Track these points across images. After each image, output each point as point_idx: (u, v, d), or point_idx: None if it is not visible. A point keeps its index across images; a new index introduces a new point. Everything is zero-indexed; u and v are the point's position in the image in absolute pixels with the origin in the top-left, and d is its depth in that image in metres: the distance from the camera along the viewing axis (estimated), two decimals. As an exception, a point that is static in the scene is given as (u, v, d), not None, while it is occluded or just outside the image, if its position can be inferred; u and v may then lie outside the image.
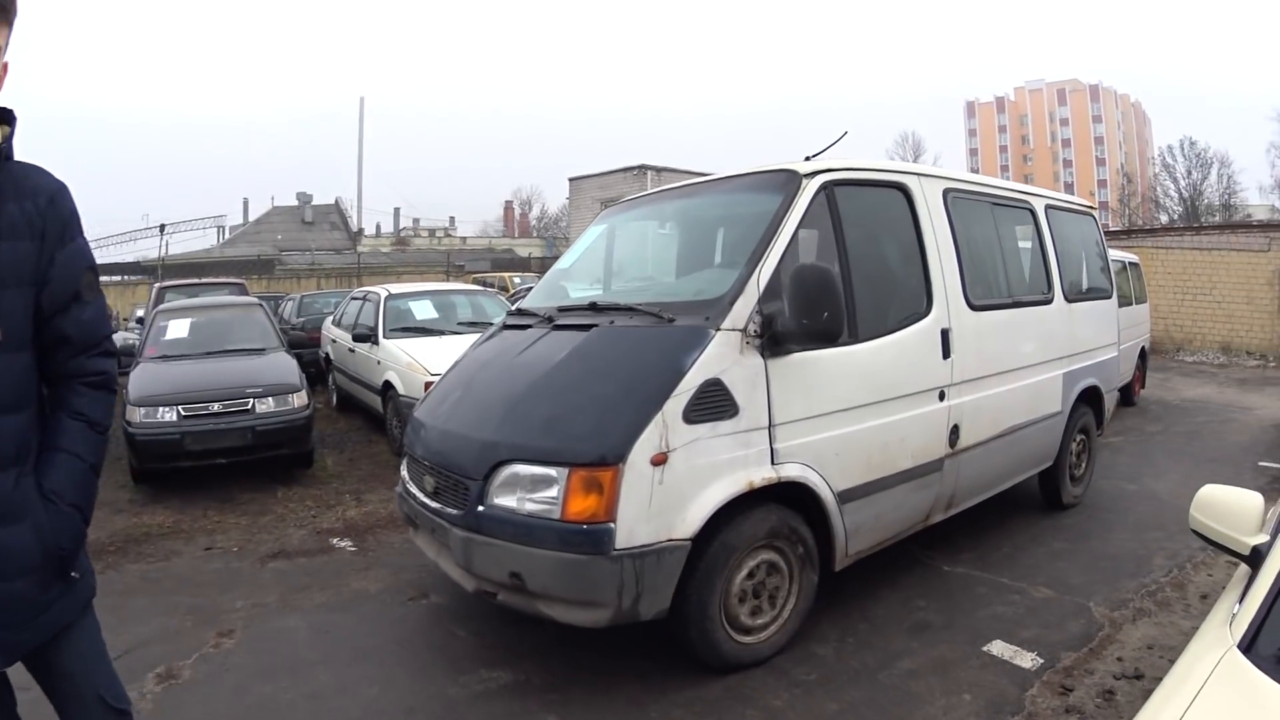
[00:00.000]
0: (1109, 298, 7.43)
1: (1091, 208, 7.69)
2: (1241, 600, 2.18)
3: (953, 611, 4.86)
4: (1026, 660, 4.27)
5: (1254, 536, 2.39)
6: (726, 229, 5.03)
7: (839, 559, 4.44)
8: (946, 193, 5.27)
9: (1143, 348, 12.66)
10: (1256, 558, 2.32)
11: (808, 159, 4.63)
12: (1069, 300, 6.49)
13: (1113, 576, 5.38)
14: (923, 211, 4.99)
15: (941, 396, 4.92)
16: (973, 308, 5.20)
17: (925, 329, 4.84)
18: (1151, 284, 15.97)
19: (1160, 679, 3.98)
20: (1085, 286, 7.01)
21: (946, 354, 4.94)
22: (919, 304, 4.88)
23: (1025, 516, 6.56)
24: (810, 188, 4.36)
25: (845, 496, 4.34)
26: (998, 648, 4.41)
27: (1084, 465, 7.01)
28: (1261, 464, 8.87)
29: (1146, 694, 3.94)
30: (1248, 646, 2.01)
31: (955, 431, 5.04)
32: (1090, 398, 6.87)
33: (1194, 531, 2.58)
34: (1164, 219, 46.73)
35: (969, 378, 5.14)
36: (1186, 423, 10.98)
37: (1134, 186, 62.13)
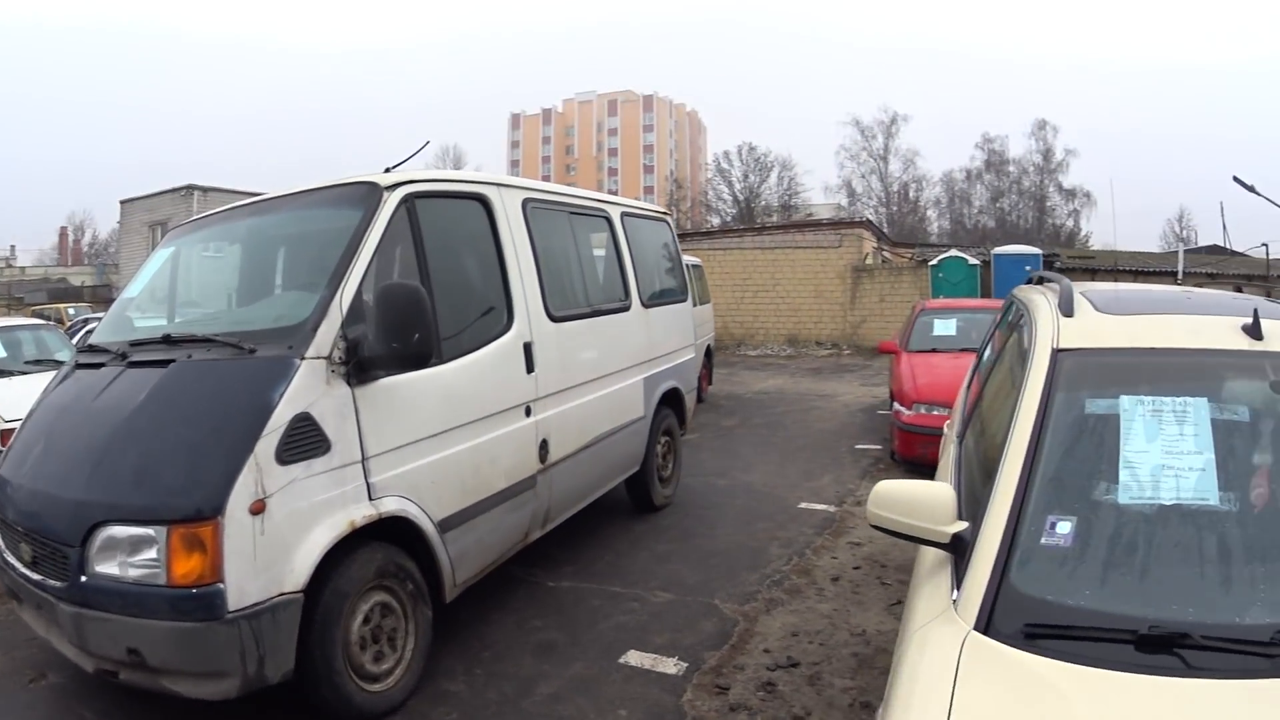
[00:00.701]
0: (683, 300, 8.02)
1: (665, 213, 8.27)
2: (959, 585, 2.35)
3: (573, 627, 4.94)
4: (670, 666, 4.41)
5: (952, 525, 2.56)
6: (305, 248, 4.87)
7: (448, 590, 4.44)
8: (526, 203, 5.42)
9: (708, 346, 13.70)
10: (960, 544, 2.51)
11: (388, 170, 4.59)
12: (646, 305, 6.91)
13: (730, 572, 5.72)
14: (502, 223, 5.09)
15: (528, 412, 5.05)
16: (553, 319, 5.37)
17: (508, 344, 4.93)
18: (710, 284, 17.54)
19: (817, 663, 4.35)
20: (661, 291, 7.49)
21: (530, 368, 5.07)
22: (500, 319, 4.95)
23: (619, 523, 6.85)
24: (391, 201, 4.30)
25: (446, 525, 4.34)
26: (634, 658, 4.52)
27: (670, 466, 7.49)
28: (858, 447, 9.96)
29: (809, 679, 4.26)
30: (985, 626, 2.17)
31: (545, 446, 5.18)
32: (671, 399, 7.37)
33: (877, 528, 2.69)
34: (715, 221, 51.48)
35: (553, 391, 5.31)
36: (764, 414, 12.05)
37: (684, 191, 68.09)
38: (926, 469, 8.34)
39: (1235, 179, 17.07)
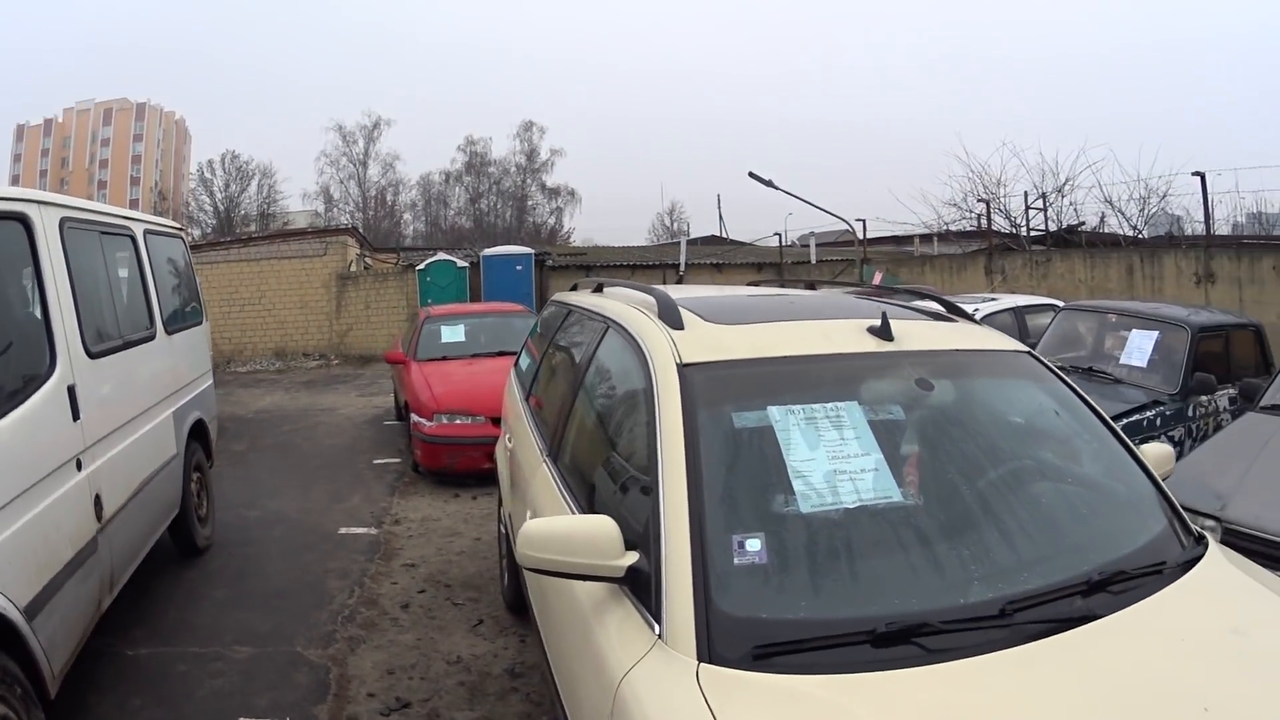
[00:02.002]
0: (200, 323, 7.36)
1: (180, 229, 7.51)
2: (657, 618, 2.27)
3: (174, 702, 4.44)
4: None
5: (624, 558, 2.45)
6: None
7: (50, 684, 3.72)
8: (64, 222, 4.60)
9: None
10: (638, 575, 2.42)
11: None
12: (169, 332, 6.24)
13: (298, 613, 5.40)
14: (43, 247, 4.27)
15: (79, 465, 4.30)
16: (91, 355, 4.63)
17: (53, 390, 4.15)
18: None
19: (428, 699, 4.32)
20: (181, 314, 6.82)
21: (76, 415, 4.31)
22: (42, 361, 4.17)
23: (170, 572, 6.20)
24: None
25: (32, 610, 3.61)
26: (248, 728, 4.09)
27: (205, 503, 6.86)
28: (377, 462, 9.74)
29: (428, 718, 4.19)
30: (709, 656, 2.13)
31: (99, 502, 4.46)
32: (198, 432, 6.74)
33: (536, 570, 2.55)
34: (197, 233, 48.43)
35: (99, 438, 4.58)
36: (272, 434, 11.42)
37: (167, 203, 62.73)
38: (453, 479, 8.57)
39: (751, 174, 18.87)
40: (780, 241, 24.67)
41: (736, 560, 2.38)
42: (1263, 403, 6.35)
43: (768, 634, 2.18)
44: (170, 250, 6.91)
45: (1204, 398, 7.34)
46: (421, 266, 20.98)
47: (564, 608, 2.97)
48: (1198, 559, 2.71)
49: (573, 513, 3.13)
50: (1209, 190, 13.44)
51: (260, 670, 4.71)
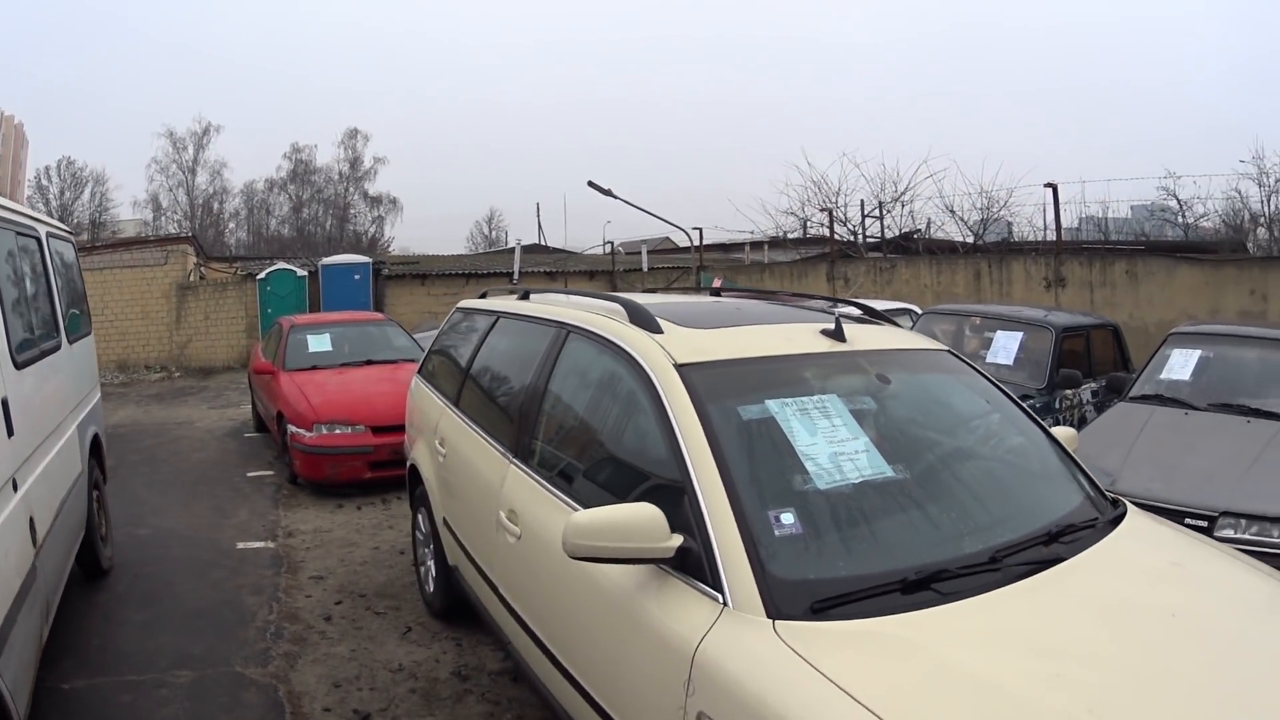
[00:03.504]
0: (90, 333, 7.04)
1: (71, 232, 7.10)
2: (718, 588, 2.50)
3: None
4: None
5: (672, 539, 2.63)
6: None
7: None
8: None
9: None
10: (688, 555, 2.62)
11: None
12: (70, 341, 5.90)
13: (226, 632, 5.26)
14: None
15: (15, 486, 3.96)
16: (17, 366, 4.29)
17: None
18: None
19: (385, 709, 4.39)
20: (75, 322, 6.42)
21: (11, 431, 3.97)
22: None
23: (78, 596, 5.84)
24: None
25: None
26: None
27: (104, 523, 6.54)
28: (251, 475, 9.48)
29: None
30: (777, 614, 2.38)
31: (33, 526, 4.13)
32: (95, 448, 6.39)
33: (589, 558, 2.68)
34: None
35: (27, 456, 4.25)
36: (136, 450, 10.94)
37: None
38: (334, 490, 8.52)
39: (590, 183, 18.90)
40: (613, 249, 24.95)
41: (777, 533, 2.65)
42: (1131, 394, 7.22)
43: (819, 591, 2.47)
44: (66, 255, 6.55)
45: (1069, 392, 7.95)
46: (262, 275, 20.50)
47: (586, 600, 3.11)
48: (1123, 515, 3.28)
49: (571, 507, 3.22)
50: (1059, 199, 14.11)
51: (208, 694, 4.56)
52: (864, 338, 3.70)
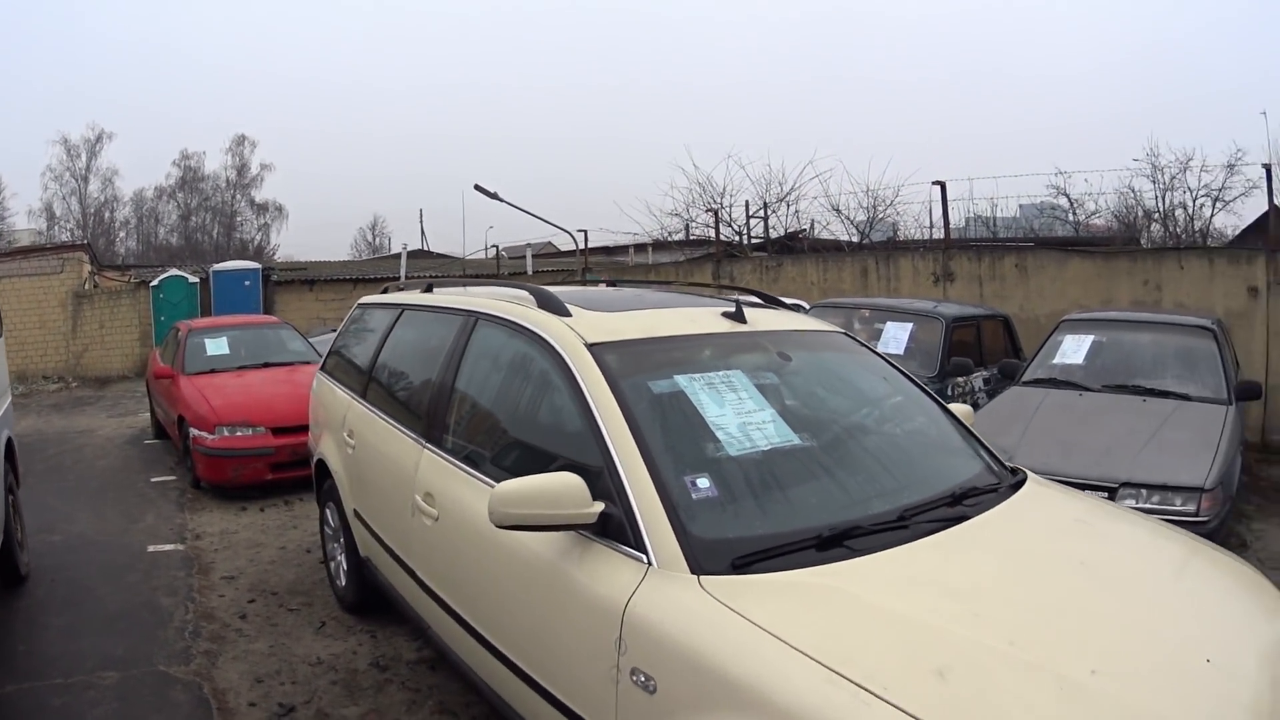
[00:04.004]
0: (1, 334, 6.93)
1: None
2: (642, 549, 2.63)
3: None
4: None
5: (594, 505, 2.74)
6: None
7: None
8: None
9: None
10: (610, 520, 2.73)
11: None
12: None
13: (146, 633, 5.27)
14: None
15: None
16: None
17: None
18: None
19: (309, 701, 4.51)
20: None
21: None
22: None
23: None
24: None
25: None
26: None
27: (20, 528, 6.42)
28: (155, 480, 9.41)
29: (320, 716, 4.27)
30: (701, 570, 2.50)
31: None
32: (9, 452, 6.32)
33: (514, 527, 2.76)
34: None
35: None
36: (41, 459, 10.72)
37: None
38: (236, 493, 8.57)
39: (477, 187, 18.73)
40: (497, 253, 25.15)
41: (694, 496, 2.79)
42: (1024, 379, 7.54)
43: (739, 548, 2.60)
44: None
45: (960, 379, 8.22)
46: (155, 282, 20.37)
47: (510, 573, 3.20)
48: (1024, 481, 3.47)
49: (489, 485, 3.24)
50: (948, 197, 14.29)
51: (135, 694, 4.56)
52: (763, 320, 3.92)
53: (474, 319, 4.16)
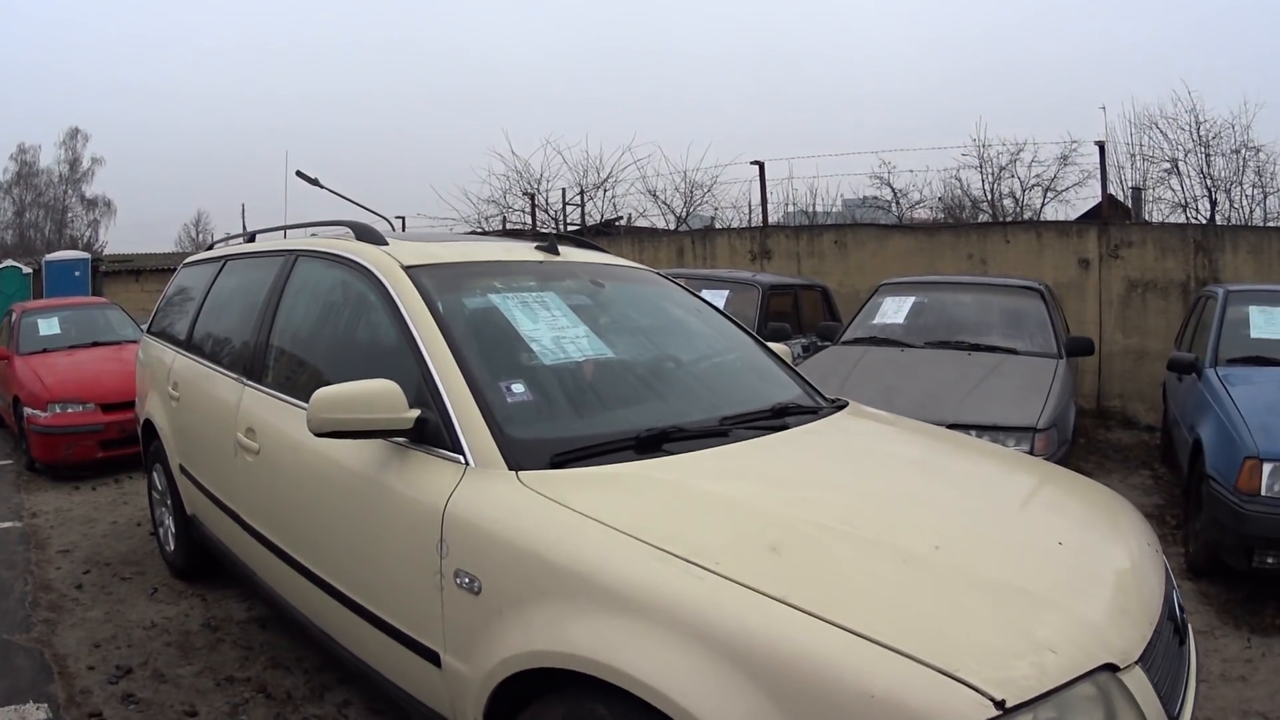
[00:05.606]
0: None
1: None
2: (460, 451, 2.61)
3: None
4: (37, 713, 3.89)
5: (411, 412, 2.70)
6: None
7: None
8: None
9: None
10: (426, 425, 2.71)
11: None
12: None
13: None
14: None
15: None
16: None
17: None
18: None
19: (145, 662, 4.51)
20: None
21: None
22: None
23: None
24: None
25: None
26: (-1, 714, 3.95)
27: None
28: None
29: (155, 677, 4.19)
30: (519, 467, 2.50)
31: None
32: None
33: (333, 433, 2.71)
34: None
35: None
36: None
37: None
38: (68, 473, 8.53)
39: (299, 173, 18.09)
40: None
41: (510, 400, 2.81)
42: (843, 339, 7.49)
43: (556, 448, 2.61)
44: None
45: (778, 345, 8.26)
46: (-11, 272, 20.13)
47: (330, 492, 3.17)
48: (846, 405, 3.60)
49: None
50: (766, 178, 14.27)
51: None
52: (577, 254, 4.05)
53: (294, 257, 4.13)
